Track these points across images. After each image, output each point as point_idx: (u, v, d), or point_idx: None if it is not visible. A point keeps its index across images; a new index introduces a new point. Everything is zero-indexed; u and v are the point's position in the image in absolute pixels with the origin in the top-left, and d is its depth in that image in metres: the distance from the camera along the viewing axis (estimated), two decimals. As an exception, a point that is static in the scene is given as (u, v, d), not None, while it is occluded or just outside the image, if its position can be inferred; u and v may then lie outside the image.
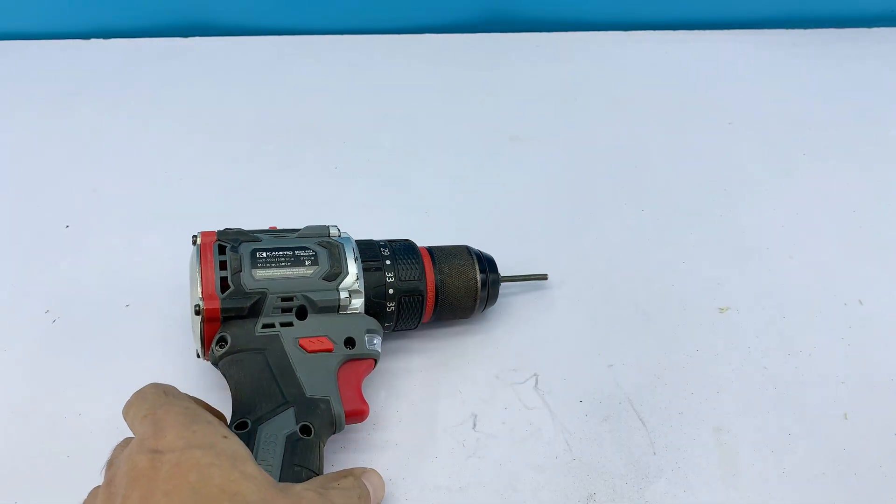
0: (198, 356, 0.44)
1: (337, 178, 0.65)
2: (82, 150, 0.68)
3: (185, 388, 0.49)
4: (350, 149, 0.68)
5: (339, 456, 0.44)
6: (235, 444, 0.33)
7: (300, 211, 0.61)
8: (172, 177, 0.65)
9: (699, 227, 0.61)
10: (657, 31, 0.84)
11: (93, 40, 0.82)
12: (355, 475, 0.39)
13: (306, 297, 0.42)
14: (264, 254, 0.43)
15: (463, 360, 0.50)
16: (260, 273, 0.42)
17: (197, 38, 0.83)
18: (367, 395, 0.44)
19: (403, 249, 0.48)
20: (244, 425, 0.38)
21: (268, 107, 0.74)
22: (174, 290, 0.55)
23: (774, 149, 0.69)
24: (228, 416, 0.40)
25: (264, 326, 0.42)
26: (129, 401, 0.36)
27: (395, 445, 0.45)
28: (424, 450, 0.45)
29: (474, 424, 0.46)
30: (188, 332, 0.52)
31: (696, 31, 0.85)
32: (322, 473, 0.38)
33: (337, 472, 0.39)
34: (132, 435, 0.35)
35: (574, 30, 0.84)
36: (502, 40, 0.83)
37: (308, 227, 0.47)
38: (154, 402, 0.34)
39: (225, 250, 0.43)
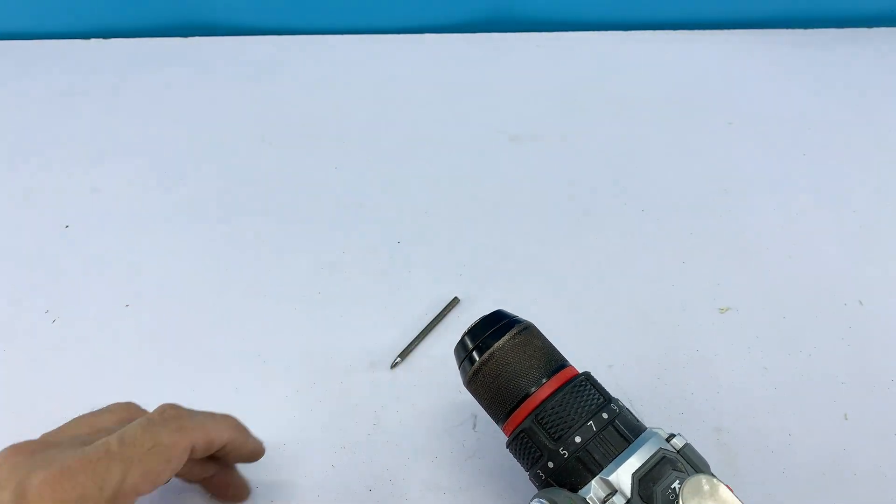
0: None
1: (337, 178, 0.65)
2: (82, 150, 0.68)
3: (184, 387, 0.49)
4: (350, 149, 0.68)
5: (340, 456, 0.44)
6: None
7: (300, 210, 0.62)
8: (172, 176, 0.65)
9: (699, 227, 0.61)
10: (657, 31, 0.84)
11: (93, 40, 0.82)
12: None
13: None
14: None
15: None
16: None
17: (197, 38, 0.83)
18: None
19: None
20: None
21: (268, 107, 0.74)
22: (174, 290, 0.55)
23: (774, 149, 0.68)
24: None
25: None
26: None
27: (395, 446, 0.45)
28: (424, 450, 0.45)
29: (474, 425, 0.46)
30: (187, 332, 0.52)
31: (696, 31, 0.85)
32: None
33: None
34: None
35: (574, 30, 0.84)
36: (502, 40, 0.83)
37: None
38: None
39: None
